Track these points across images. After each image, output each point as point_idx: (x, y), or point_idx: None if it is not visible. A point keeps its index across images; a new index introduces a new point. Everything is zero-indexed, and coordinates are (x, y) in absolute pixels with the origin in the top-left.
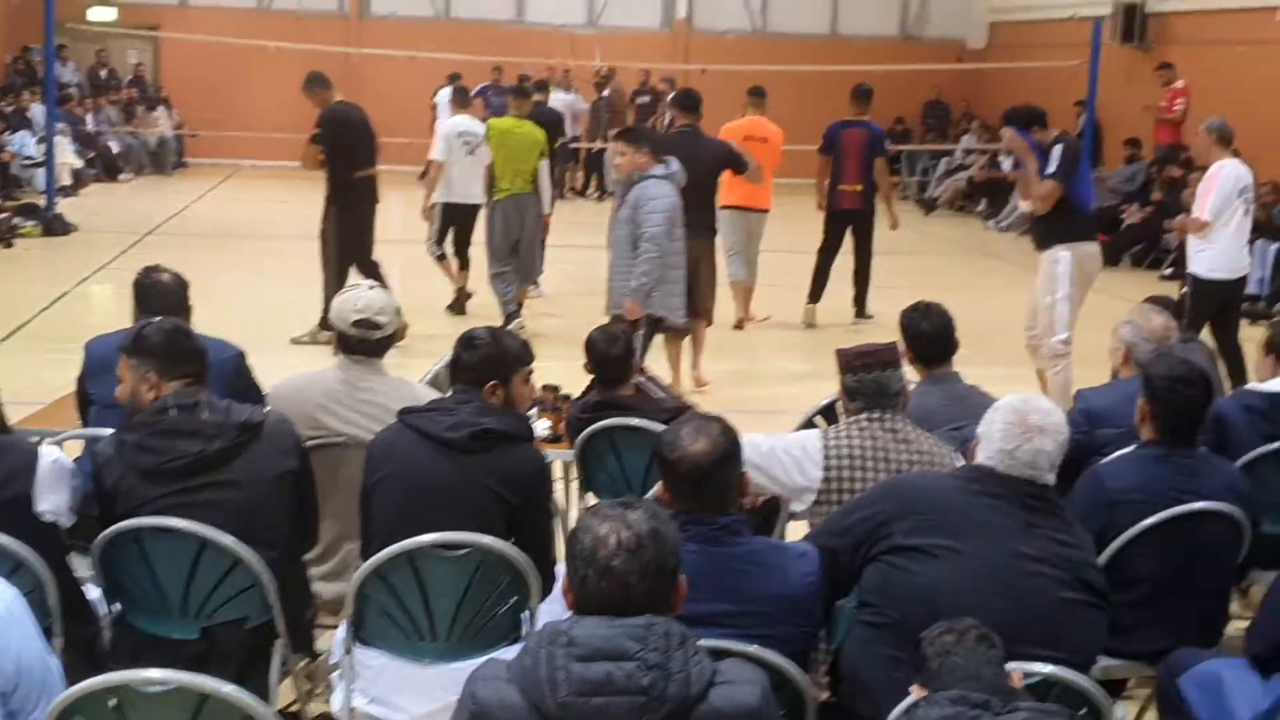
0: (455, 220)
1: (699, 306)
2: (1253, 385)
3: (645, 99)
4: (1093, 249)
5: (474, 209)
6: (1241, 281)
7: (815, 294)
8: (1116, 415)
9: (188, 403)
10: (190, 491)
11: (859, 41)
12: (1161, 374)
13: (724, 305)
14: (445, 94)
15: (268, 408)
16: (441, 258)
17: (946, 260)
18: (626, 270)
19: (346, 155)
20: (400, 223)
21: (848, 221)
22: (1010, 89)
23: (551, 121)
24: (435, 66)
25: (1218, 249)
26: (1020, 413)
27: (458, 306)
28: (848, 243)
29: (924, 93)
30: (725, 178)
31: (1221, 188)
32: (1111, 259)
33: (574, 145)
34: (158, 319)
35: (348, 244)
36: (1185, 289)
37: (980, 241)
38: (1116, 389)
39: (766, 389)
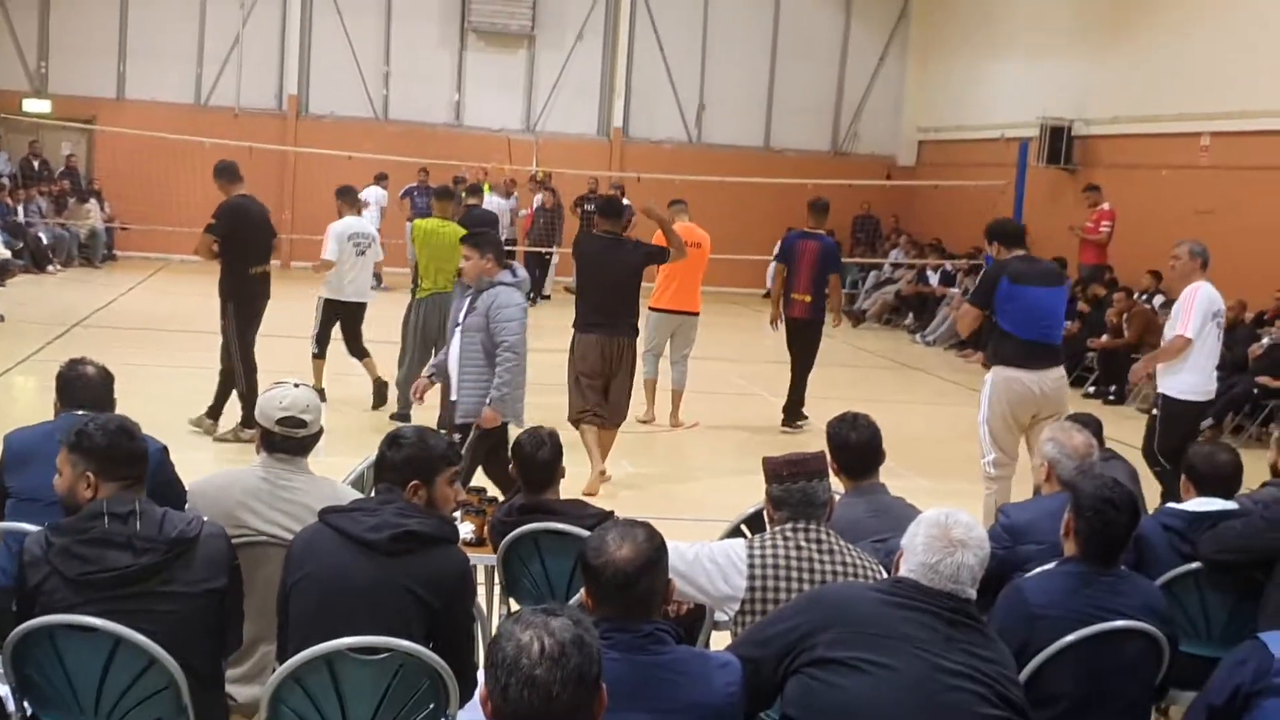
0: (340, 317)
1: (613, 415)
2: (1172, 505)
3: (591, 207)
4: (1016, 375)
5: (361, 307)
6: (1211, 404)
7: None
8: (1038, 531)
9: (122, 511)
10: (114, 601)
11: (791, 155)
12: (1090, 493)
13: (686, 406)
14: (371, 192)
15: (203, 517)
16: (318, 356)
17: (874, 373)
18: (478, 379)
19: (240, 249)
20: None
21: (795, 329)
22: (939, 206)
23: (486, 224)
24: (372, 166)
25: (1193, 371)
26: (943, 526)
27: (378, 398)
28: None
29: (854, 207)
30: (660, 280)
31: (1199, 308)
32: None
33: (510, 249)
34: (103, 415)
35: (247, 339)
36: (1154, 411)
37: (908, 355)
38: (1039, 505)
39: (696, 494)
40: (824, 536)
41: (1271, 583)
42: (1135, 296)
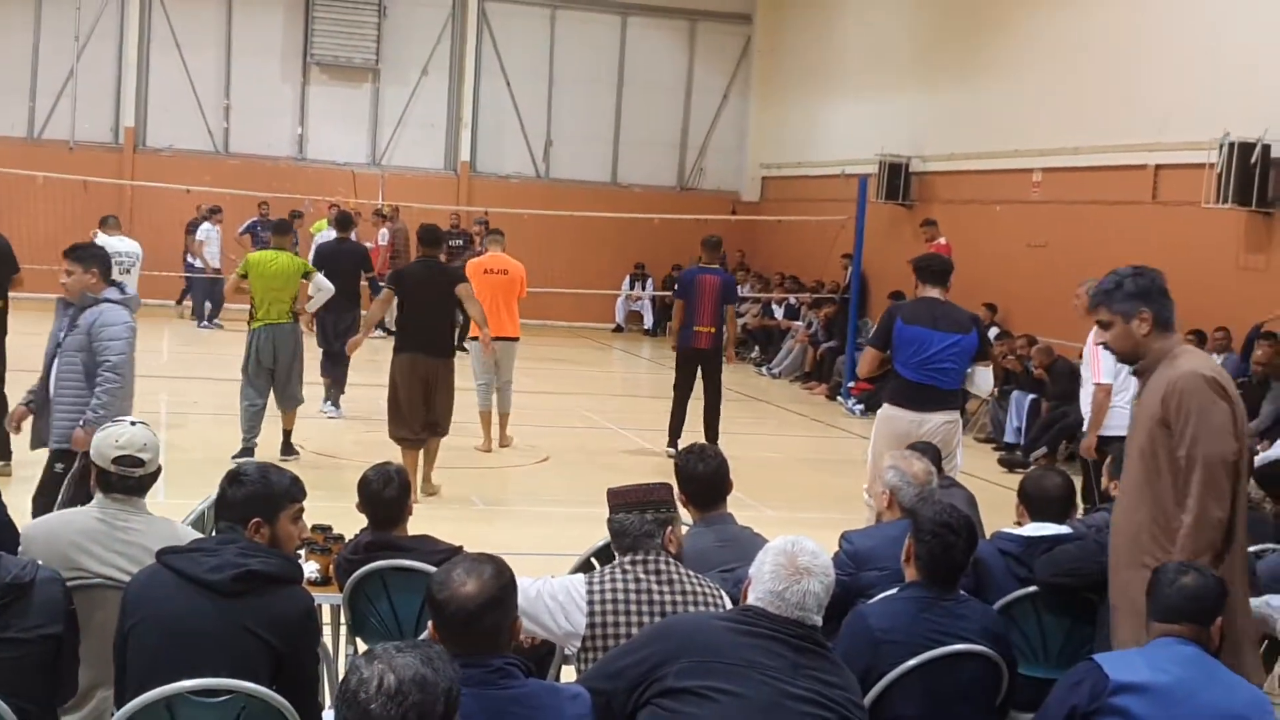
0: None
1: (435, 423)
2: (1007, 529)
3: (458, 241)
4: (898, 414)
5: None
6: None
7: (675, 437)
8: (881, 557)
9: None
10: None
11: (638, 190)
12: (929, 518)
13: (537, 438)
14: (203, 229)
15: (38, 560)
16: None
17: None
18: (76, 402)
19: None
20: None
21: (699, 360)
22: (782, 240)
23: (358, 255)
24: (212, 200)
25: (1117, 410)
26: (789, 554)
27: None
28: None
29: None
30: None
31: (1102, 352)
32: (874, 405)
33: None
34: None
35: None
36: (1105, 458)
37: (754, 387)
38: (881, 531)
39: (546, 528)
40: (663, 567)
41: (1104, 605)
42: None
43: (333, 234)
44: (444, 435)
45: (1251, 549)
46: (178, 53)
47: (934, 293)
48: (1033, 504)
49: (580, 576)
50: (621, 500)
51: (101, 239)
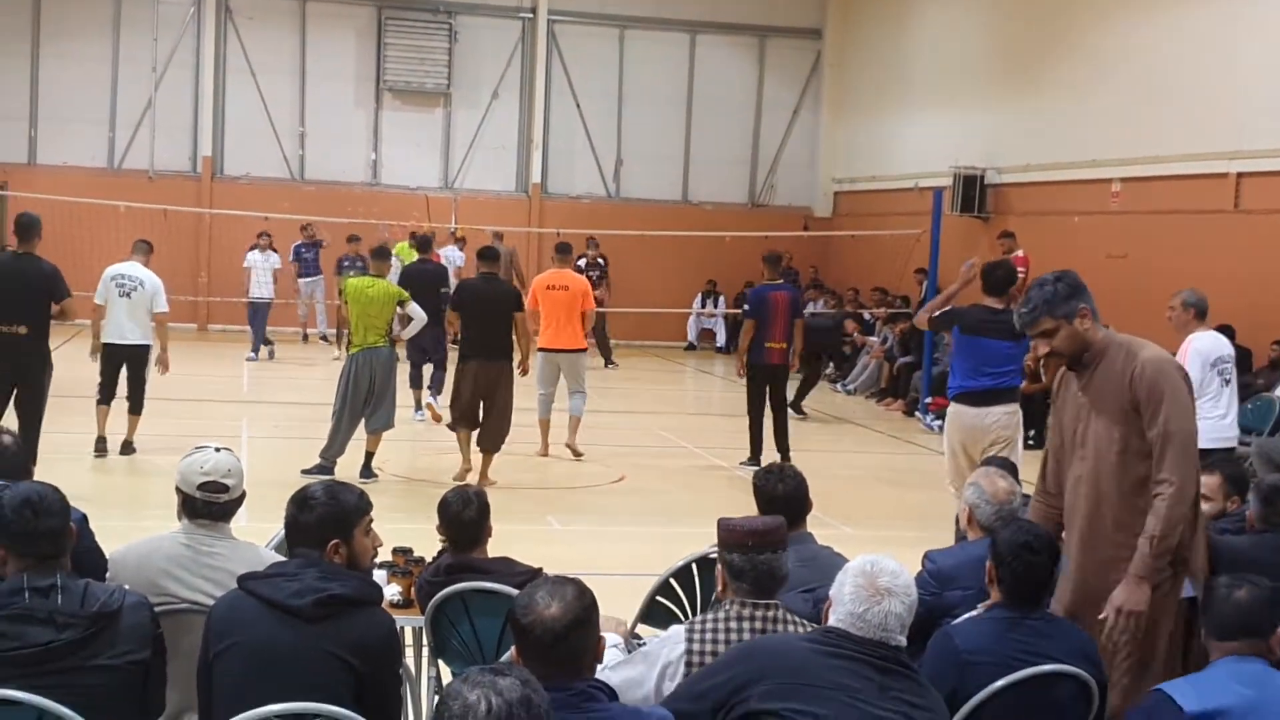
0: (114, 360)
1: (494, 416)
2: None
3: (581, 260)
4: (955, 410)
5: (131, 350)
6: (1228, 452)
7: (757, 455)
8: (964, 576)
9: (43, 585)
10: (38, 676)
11: (709, 207)
12: (1007, 539)
13: (612, 460)
14: (253, 255)
15: (125, 586)
16: (99, 402)
17: (796, 423)
18: None
19: None
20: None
21: (772, 376)
22: (856, 256)
23: (439, 275)
24: (289, 226)
25: (1199, 420)
26: (868, 575)
27: (99, 448)
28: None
29: None
30: (541, 324)
31: (1193, 361)
32: None
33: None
34: (14, 489)
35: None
36: None
37: (830, 404)
38: (964, 550)
39: (623, 548)
40: (779, 626)
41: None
42: None
43: (449, 251)
44: (503, 431)
45: None
46: (253, 81)
47: (989, 301)
48: None
49: (678, 638)
50: (741, 537)
51: (112, 266)
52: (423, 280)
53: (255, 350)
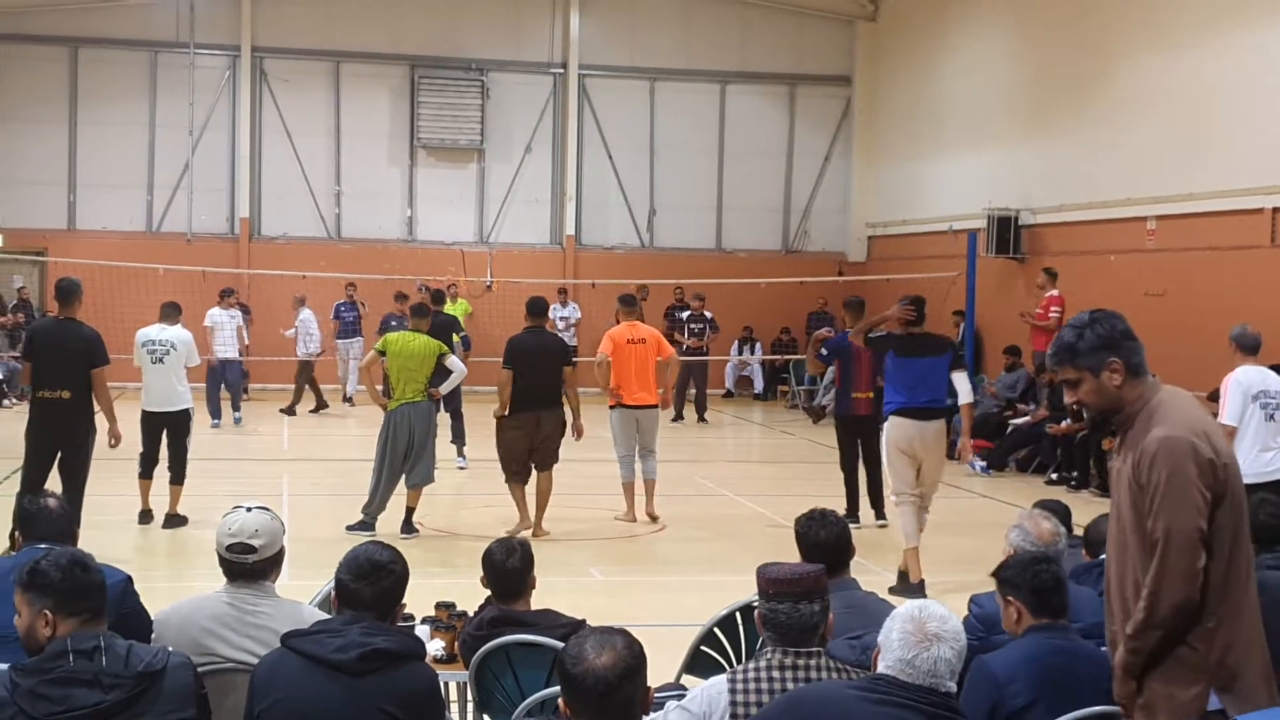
0: (152, 428)
1: (544, 459)
2: None
3: (685, 315)
4: (896, 422)
5: (168, 416)
6: (1270, 486)
7: (854, 510)
8: None
9: (87, 647)
10: None
11: (743, 255)
12: (1016, 561)
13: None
14: (215, 312)
15: (169, 647)
16: (141, 476)
17: (836, 469)
18: None
19: (33, 372)
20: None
21: (860, 427)
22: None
23: (447, 325)
24: (327, 285)
25: (1236, 453)
26: (917, 621)
27: (143, 521)
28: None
29: (808, 303)
30: (614, 379)
31: (1234, 393)
32: (998, 464)
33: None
34: (55, 550)
35: (28, 460)
36: None
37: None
38: None
39: (666, 598)
40: (824, 664)
41: None
42: None
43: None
44: (549, 470)
45: None
46: (289, 142)
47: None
48: None
49: (723, 687)
50: (768, 586)
51: (141, 331)
52: (433, 333)
53: (216, 415)
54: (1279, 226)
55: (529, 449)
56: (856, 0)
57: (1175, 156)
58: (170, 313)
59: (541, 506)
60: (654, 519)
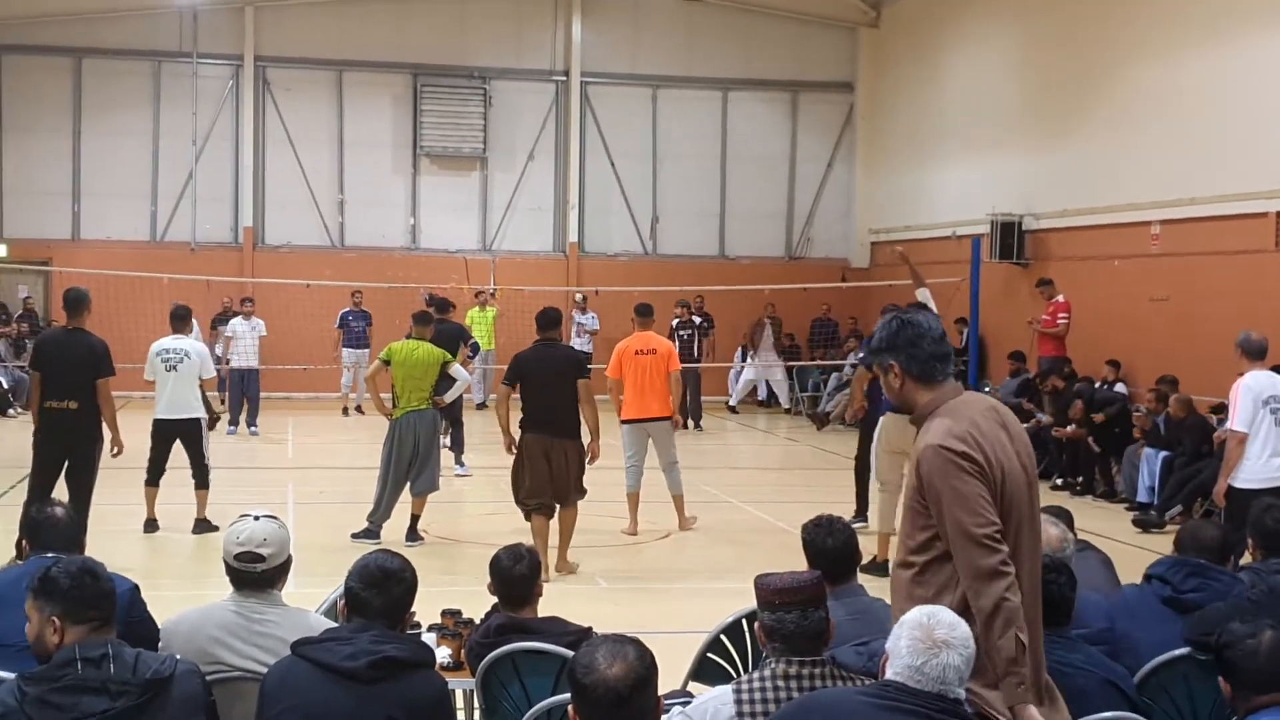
0: (166, 435)
1: (563, 496)
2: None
3: (687, 332)
4: (891, 419)
5: (183, 424)
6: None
7: (863, 510)
8: None
9: (95, 655)
10: None
11: (746, 262)
12: None
13: (659, 515)
14: (236, 322)
15: (177, 655)
16: (148, 483)
17: (841, 474)
18: None
19: (42, 382)
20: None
21: None
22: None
23: (455, 333)
24: (331, 293)
25: (1247, 458)
26: (925, 628)
27: (198, 528)
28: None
29: (812, 310)
30: (625, 392)
31: (1242, 399)
32: None
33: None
34: (66, 558)
35: (34, 472)
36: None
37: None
38: None
39: (672, 605)
40: (829, 672)
41: None
42: (1096, 386)
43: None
44: (572, 505)
45: None
46: (292, 151)
47: None
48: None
49: (728, 697)
50: (770, 595)
51: (156, 341)
52: (438, 340)
53: (234, 423)
54: None
55: (545, 478)
56: (859, 7)
57: (1179, 161)
58: (180, 324)
59: (564, 539)
60: (686, 528)
